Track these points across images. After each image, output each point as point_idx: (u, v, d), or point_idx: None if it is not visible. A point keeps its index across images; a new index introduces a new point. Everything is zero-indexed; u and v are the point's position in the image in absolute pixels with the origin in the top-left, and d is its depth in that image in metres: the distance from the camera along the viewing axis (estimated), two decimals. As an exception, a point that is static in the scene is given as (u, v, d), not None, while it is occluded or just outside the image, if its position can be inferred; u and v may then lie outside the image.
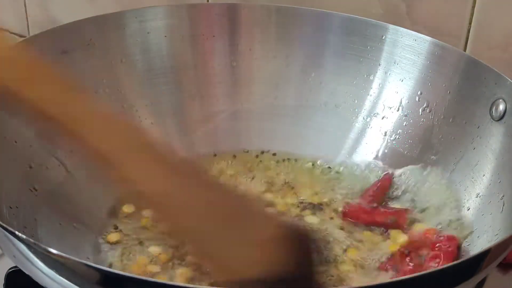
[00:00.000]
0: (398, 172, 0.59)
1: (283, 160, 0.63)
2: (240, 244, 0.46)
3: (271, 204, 0.59)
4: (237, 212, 0.48)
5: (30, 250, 0.38)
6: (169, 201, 0.45)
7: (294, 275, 0.46)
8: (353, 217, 0.57)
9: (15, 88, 0.42)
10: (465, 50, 0.64)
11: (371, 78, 0.62)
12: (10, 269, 0.49)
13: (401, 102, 0.61)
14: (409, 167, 0.59)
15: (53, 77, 0.44)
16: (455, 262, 0.38)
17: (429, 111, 0.59)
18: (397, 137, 0.61)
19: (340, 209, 0.57)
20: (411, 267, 0.51)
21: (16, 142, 0.52)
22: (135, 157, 0.44)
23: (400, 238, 0.54)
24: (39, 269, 0.39)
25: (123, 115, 0.55)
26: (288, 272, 0.45)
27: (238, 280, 0.45)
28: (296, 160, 0.63)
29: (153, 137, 0.47)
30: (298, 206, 0.58)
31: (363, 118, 0.63)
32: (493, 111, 0.53)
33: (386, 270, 0.51)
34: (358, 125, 0.63)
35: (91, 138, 0.43)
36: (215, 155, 0.63)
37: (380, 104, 0.62)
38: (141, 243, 0.53)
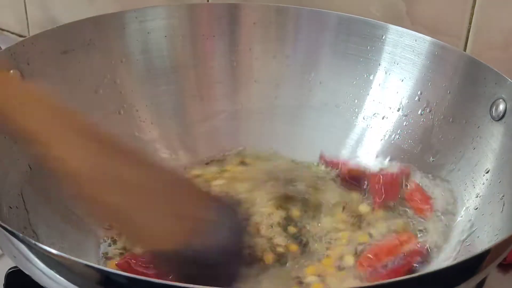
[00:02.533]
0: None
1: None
2: (165, 215, 0.46)
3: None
4: (165, 187, 0.48)
5: (30, 250, 0.38)
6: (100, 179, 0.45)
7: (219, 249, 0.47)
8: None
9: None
10: (465, 50, 0.64)
11: (371, 78, 0.62)
12: (10, 269, 0.49)
13: (401, 102, 0.61)
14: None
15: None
16: (455, 262, 0.38)
17: (429, 111, 0.59)
18: (397, 137, 0.61)
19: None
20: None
21: (16, 142, 0.52)
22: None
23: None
24: (39, 269, 0.39)
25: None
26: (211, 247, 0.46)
27: (158, 251, 0.46)
28: (295, 160, 0.63)
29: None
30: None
31: (363, 118, 0.63)
32: (493, 111, 0.53)
33: None
34: (358, 125, 0.63)
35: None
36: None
37: (380, 104, 0.62)
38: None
